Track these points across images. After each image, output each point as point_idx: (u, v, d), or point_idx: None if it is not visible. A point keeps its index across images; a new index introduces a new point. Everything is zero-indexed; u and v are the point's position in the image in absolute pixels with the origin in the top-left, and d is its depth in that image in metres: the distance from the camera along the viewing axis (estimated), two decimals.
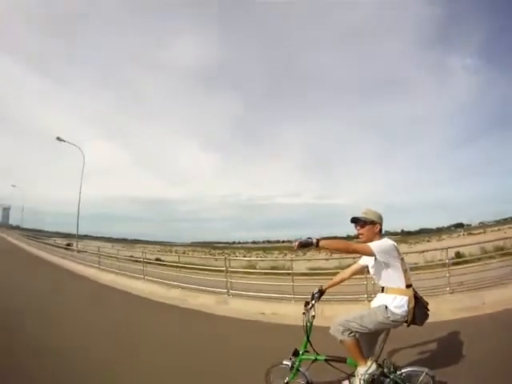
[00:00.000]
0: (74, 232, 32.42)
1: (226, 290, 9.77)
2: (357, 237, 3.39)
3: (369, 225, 3.30)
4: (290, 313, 7.36)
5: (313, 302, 3.44)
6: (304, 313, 3.40)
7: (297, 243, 2.92)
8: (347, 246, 3.04)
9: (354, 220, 3.36)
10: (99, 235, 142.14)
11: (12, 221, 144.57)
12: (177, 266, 13.81)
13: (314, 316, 3.34)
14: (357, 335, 3.21)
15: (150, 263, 17.68)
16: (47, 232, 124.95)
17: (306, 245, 2.90)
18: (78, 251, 25.84)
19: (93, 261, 18.72)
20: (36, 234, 78.12)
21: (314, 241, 2.88)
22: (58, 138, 30.43)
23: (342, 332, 3.19)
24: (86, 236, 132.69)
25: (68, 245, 30.87)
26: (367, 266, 3.50)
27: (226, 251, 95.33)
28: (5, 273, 15.80)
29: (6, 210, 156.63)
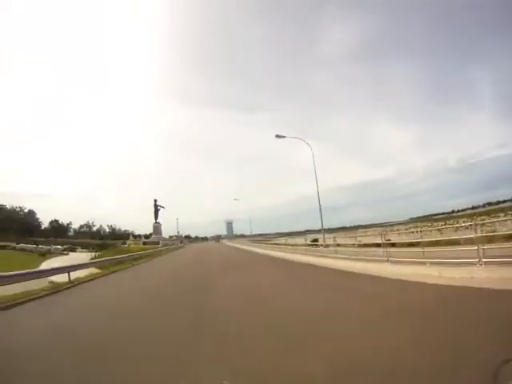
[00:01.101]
0: (288, 231, 31.23)
1: None
2: None
3: None
4: None
5: None
6: None
7: None
8: None
9: None
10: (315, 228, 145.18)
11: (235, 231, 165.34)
12: None
13: None
14: None
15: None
16: (269, 234, 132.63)
17: None
18: (325, 246, 24.71)
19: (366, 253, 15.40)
20: (263, 238, 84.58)
21: None
22: (277, 136, 29.08)
23: None
24: (308, 231, 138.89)
25: (314, 240, 29.57)
26: None
27: (447, 222, 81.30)
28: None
29: (230, 223, 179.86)
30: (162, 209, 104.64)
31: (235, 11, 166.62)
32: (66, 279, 16.70)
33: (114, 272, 23.10)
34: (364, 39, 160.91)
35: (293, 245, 32.02)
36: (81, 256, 54.63)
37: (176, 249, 71.40)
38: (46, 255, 54.21)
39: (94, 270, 22.89)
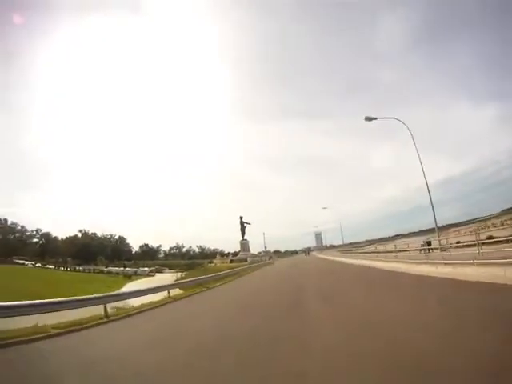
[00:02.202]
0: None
1: None
2: None
3: None
4: None
5: None
6: None
7: None
8: None
9: None
10: (402, 232, 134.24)
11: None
12: None
13: None
14: None
15: None
16: (359, 243, 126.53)
17: None
18: (442, 249, 19.47)
19: None
20: (352, 247, 78.11)
21: None
22: (367, 118, 24.52)
23: None
24: (396, 236, 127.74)
25: (427, 244, 23.18)
26: None
27: None
28: None
29: (319, 234, 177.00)
30: (248, 225, 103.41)
31: (291, 22, 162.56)
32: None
33: (180, 299, 19.06)
34: (420, 21, 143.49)
35: (392, 251, 26.02)
36: (165, 277, 54.59)
37: (264, 265, 66.90)
38: (131, 277, 55.36)
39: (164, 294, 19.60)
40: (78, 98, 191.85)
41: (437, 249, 19.86)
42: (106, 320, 12.01)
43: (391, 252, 25.73)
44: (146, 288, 18.99)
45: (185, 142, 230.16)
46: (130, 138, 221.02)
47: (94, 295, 14.47)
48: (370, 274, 22.00)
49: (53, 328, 10.07)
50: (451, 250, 18.48)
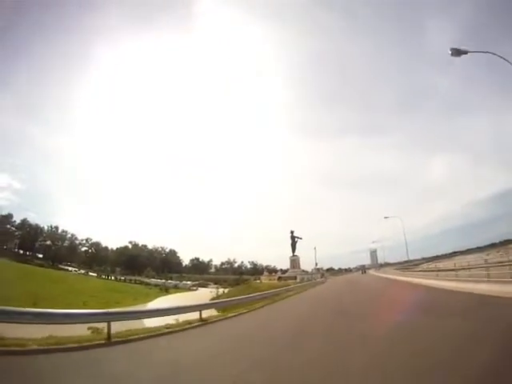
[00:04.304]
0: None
1: None
2: None
3: None
4: None
5: None
6: None
7: None
8: None
9: None
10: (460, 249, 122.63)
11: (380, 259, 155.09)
12: None
13: None
14: None
15: None
16: (413, 260, 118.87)
17: None
18: None
19: None
20: (409, 265, 70.51)
21: None
22: (454, 51, 21.38)
23: None
24: (454, 252, 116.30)
25: None
26: None
27: None
28: None
29: (374, 251, 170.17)
30: (299, 240, 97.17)
31: (342, 37, 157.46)
32: None
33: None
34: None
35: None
36: (204, 292, 51.80)
37: (313, 285, 58.62)
38: (168, 290, 53.39)
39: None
40: (131, 116, 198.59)
41: None
42: None
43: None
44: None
45: (240, 160, 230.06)
46: (187, 157, 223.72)
47: None
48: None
49: None
50: None
